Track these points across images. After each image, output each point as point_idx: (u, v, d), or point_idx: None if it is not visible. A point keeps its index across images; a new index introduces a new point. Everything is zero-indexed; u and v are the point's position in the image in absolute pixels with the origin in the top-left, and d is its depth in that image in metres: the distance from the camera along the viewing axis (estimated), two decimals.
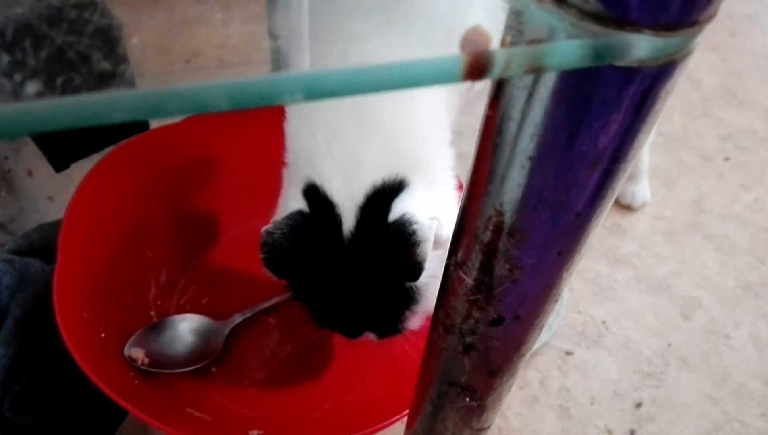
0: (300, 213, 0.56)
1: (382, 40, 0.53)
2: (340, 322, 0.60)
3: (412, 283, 0.55)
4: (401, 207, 0.53)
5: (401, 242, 0.51)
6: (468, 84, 0.18)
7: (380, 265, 0.54)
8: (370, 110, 0.53)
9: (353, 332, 0.60)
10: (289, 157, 0.58)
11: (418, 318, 0.59)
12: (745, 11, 1.40)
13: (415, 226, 0.51)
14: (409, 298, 0.56)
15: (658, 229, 0.98)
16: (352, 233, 0.54)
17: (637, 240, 0.96)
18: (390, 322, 0.58)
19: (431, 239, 0.50)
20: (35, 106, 0.15)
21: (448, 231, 0.52)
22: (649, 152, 0.99)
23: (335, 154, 0.54)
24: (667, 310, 0.88)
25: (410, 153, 0.55)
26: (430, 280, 0.54)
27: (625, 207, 1.00)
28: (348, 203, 0.54)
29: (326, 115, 0.54)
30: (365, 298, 0.57)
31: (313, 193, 0.55)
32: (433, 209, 0.53)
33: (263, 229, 0.54)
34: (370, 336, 0.60)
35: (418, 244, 0.50)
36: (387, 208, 0.53)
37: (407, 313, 0.57)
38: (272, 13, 0.61)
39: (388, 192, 0.53)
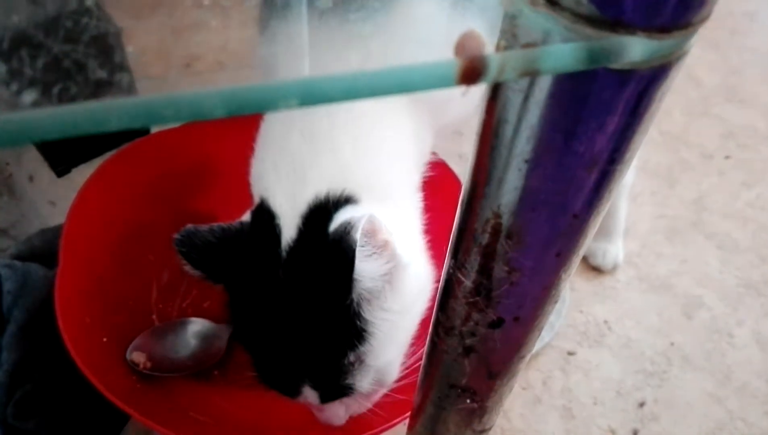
0: (240, 223, 0.55)
1: (382, 41, 0.54)
2: (275, 369, 0.54)
3: (354, 310, 0.50)
4: (343, 217, 0.49)
5: (337, 247, 0.48)
6: (463, 88, 0.18)
7: (317, 282, 0.50)
8: (325, 134, 0.52)
9: (290, 386, 0.54)
10: (251, 185, 0.58)
11: (368, 377, 0.53)
12: (745, 9, 1.40)
13: (349, 221, 0.48)
14: (354, 333, 0.50)
15: (659, 228, 0.98)
16: (290, 245, 0.52)
17: (639, 239, 0.96)
18: (331, 368, 0.52)
19: (361, 224, 0.46)
20: (32, 115, 0.15)
21: (403, 251, 0.50)
22: (626, 208, 0.91)
23: (280, 172, 0.53)
24: (670, 309, 0.88)
25: (365, 178, 0.52)
26: (378, 314, 0.51)
27: (595, 268, 0.91)
28: (289, 214, 0.52)
29: (276, 141, 0.55)
30: (301, 326, 0.51)
31: (259, 207, 0.55)
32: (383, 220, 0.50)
33: (191, 224, 0.54)
34: (310, 396, 0.53)
35: (349, 231, 0.47)
36: (328, 218, 0.50)
37: (353, 356, 0.51)
38: (268, 20, 0.61)
39: (331, 205, 0.51)
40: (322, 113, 0.53)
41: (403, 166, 0.56)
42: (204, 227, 0.54)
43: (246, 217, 0.56)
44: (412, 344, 0.57)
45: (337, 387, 0.53)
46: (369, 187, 0.52)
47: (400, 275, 0.51)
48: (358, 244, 0.46)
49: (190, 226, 0.54)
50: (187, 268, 0.53)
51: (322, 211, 0.51)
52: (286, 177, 0.53)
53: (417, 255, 0.54)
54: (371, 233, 0.47)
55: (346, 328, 0.50)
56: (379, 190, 0.53)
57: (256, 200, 0.56)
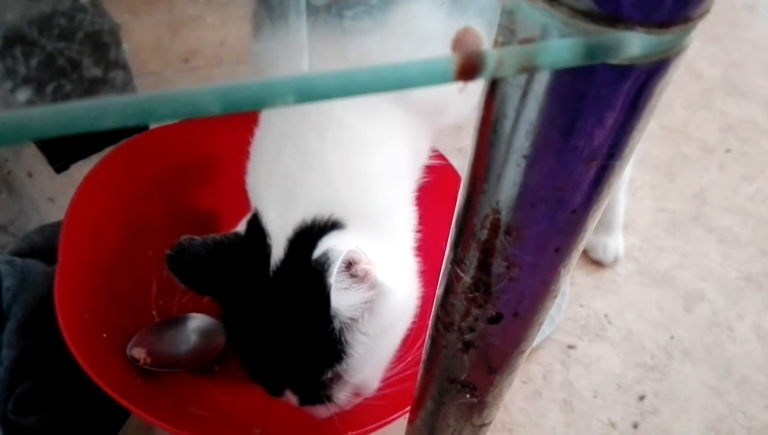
0: (235, 234, 0.56)
1: (380, 37, 0.53)
2: (261, 371, 0.57)
3: (334, 335, 0.51)
4: (327, 245, 0.50)
5: (318, 276, 0.49)
6: (460, 84, 0.18)
7: (299, 305, 0.51)
8: (315, 151, 0.53)
9: (274, 387, 0.56)
10: (247, 190, 0.59)
11: (346, 391, 0.56)
12: (745, 2, 1.39)
13: (329, 253, 0.48)
14: (332, 354, 0.52)
15: (659, 221, 0.98)
16: (278, 266, 0.53)
17: (639, 233, 0.96)
18: (310, 381, 0.54)
19: (338, 261, 0.47)
20: (26, 114, 0.15)
21: (385, 278, 0.51)
22: (625, 201, 0.91)
23: (272, 189, 0.54)
24: (670, 302, 0.88)
25: (354, 199, 0.53)
26: (356, 337, 0.52)
27: (595, 262, 0.91)
28: (278, 236, 0.53)
29: (269, 153, 0.55)
30: (284, 340, 0.53)
31: (253, 220, 0.55)
32: (368, 253, 0.51)
33: (187, 235, 0.54)
34: (291, 398, 0.56)
35: (327, 267, 0.48)
36: (314, 244, 0.51)
37: (330, 373, 0.53)
38: (264, 17, 0.61)
39: (317, 229, 0.51)
40: (312, 128, 0.53)
41: (394, 184, 0.56)
42: (198, 240, 0.55)
43: (241, 226, 0.57)
44: (395, 359, 0.58)
45: (315, 395, 0.55)
46: (357, 210, 0.53)
47: (381, 302, 0.52)
48: (335, 278, 0.47)
49: (184, 238, 0.55)
50: (176, 281, 0.55)
51: (308, 235, 0.52)
52: (278, 195, 0.54)
53: (402, 279, 0.55)
54: (352, 264, 0.49)
55: (325, 349, 0.52)
56: (368, 213, 0.54)
57: (252, 205, 0.57)
